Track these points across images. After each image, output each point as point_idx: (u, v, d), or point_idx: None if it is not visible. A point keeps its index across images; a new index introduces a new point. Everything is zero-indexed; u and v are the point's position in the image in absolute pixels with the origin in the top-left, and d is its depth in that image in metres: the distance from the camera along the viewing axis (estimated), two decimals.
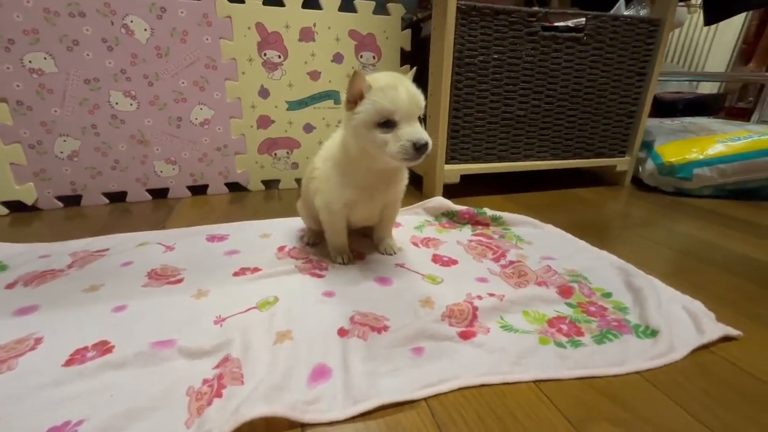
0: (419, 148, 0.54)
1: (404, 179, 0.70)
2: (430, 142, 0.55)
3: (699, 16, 2.04)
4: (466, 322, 0.54)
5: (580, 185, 1.30)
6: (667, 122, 1.40)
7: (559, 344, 0.51)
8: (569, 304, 0.60)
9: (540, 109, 1.14)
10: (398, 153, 0.54)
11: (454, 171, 1.10)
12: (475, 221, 0.92)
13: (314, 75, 1.14)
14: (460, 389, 0.44)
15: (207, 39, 1.01)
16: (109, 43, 0.94)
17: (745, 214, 1.06)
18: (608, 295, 0.63)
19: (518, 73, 1.08)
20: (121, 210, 1.03)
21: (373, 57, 1.18)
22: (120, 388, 0.42)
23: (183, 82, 1.03)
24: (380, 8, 1.15)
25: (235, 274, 0.67)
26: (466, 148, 1.11)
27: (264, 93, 1.10)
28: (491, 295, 0.61)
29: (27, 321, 0.54)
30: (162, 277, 0.66)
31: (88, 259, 0.72)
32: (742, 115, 2.01)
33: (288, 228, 0.88)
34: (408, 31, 1.19)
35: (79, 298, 0.59)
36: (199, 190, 1.14)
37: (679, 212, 1.07)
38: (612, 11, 1.19)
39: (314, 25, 1.09)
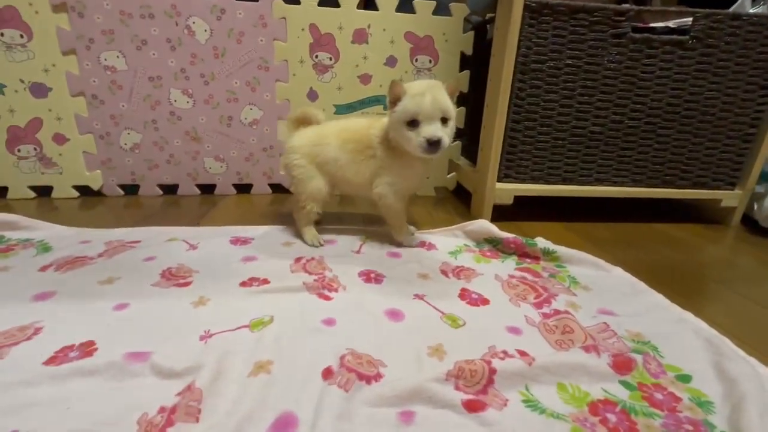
0: (432, 143, 0.66)
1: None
2: (444, 138, 0.67)
3: None
4: (478, 386, 0.43)
5: (669, 220, 1.07)
6: None
7: None
8: (625, 384, 0.45)
9: (622, 126, 0.95)
10: (417, 147, 0.67)
11: (506, 191, 0.97)
12: (522, 252, 0.79)
13: (365, 78, 1.09)
14: None
15: (261, 40, 1.02)
16: (173, 43, 0.99)
17: None
18: (685, 378, 0.47)
19: (597, 83, 0.91)
20: (170, 202, 1.08)
21: (430, 61, 1.09)
22: (79, 401, 0.40)
23: (236, 82, 1.04)
24: (442, 9, 1.06)
25: (243, 283, 0.63)
26: (525, 166, 0.97)
27: (312, 95, 1.08)
28: (521, 353, 0.49)
29: (39, 307, 0.55)
30: (173, 277, 0.65)
31: (119, 249, 0.74)
32: None
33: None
34: (470, 34, 1.09)
35: (92, 290, 0.60)
36: (243, 188, 1.16)
37: None
38: (732, 9, 0.96)
39: (368, 26, 1.04)
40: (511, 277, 0.70)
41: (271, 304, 0.58)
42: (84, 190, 1.08)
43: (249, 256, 0.74)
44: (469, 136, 1.18)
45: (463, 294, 0.64)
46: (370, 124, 0.78)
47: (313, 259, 0.73)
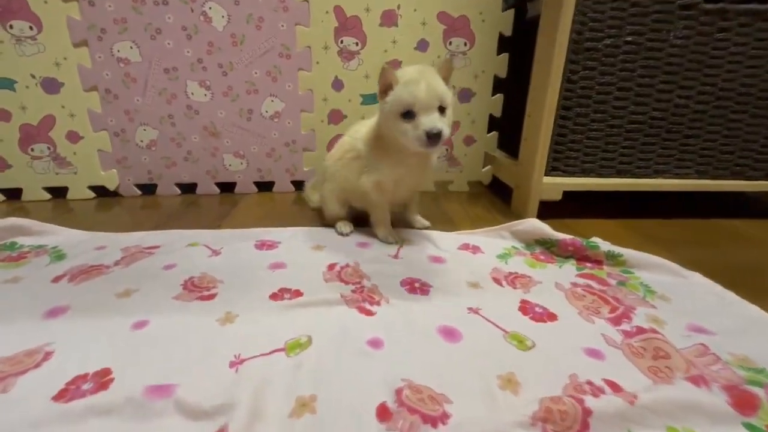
0: (431, 136, 0.59)
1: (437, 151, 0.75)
2: (444, 130, 0.60)
3: None
4: None
5: (738, 215, 0.96)
6: None
7: None
8: (751, 428, 0.37)
9: (687, 111, 0.85)
10: (415, 141, 0.61)
11: (555, 185, 0.87)
12: (581, 256, 0.69)
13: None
14: None
15: (282, 26, 0.94)
16: (188, 31, 0.92)
17: None
18: None
19: (660, 62, 0.81)
20: (189, 202, 1.02)
21: (465, 44, 1.00)
22: None
23: (256, 72, 0.97)
24: None
25: (273, 296, 0.56)
26: (575, 158, 0.88)
27: (338, 85, 1.00)
28: (613, 387, 0.41)
29: (50, 326, 0.49)
30: (196, 288, 0.58)
31: (136, 256, 0.68)
32: None
33: (345, 240, 0.76)
34: (510, 13, 0.99)
35: (108, 304, 0.54)
36: (265, 186, 1.09)
37: None
38: None
39: (398, 7, 0.95)
40: (575, 285, 0.61)
41: (307, 321, 0.51)
42: (100, 191, 1.02)
43: (277, 262, 0.67)
44: (507, 125, 1.08)
45: (525, 307, 0.55)
46: (356, 129, 0.76)
47: (347, 266, 0.66)
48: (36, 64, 0.90)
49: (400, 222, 0.84)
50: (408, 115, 0.61)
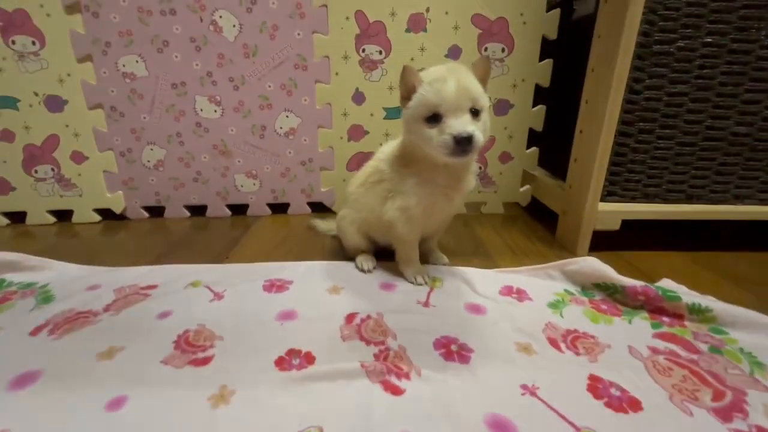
0: (460, 141, 0.50)
1: (474, 170, 0.63)
2: (477, 135, 0.51)
3: None
4: None
5: None
6: None
7: None
8: None
9: None
10: (441, 148, 0.52)
11: (612, 213, 0.74)
12: (655, 307, 0.56)
13: None
14: None
15: (299, 34, 0.85)
16: (197, 42, 0.84)
17: None
18: None
19: (747, 68, 0.67)
20: (199, 225, 0.94)
21: (503, 49, 0.88)
22: None
23: (270, 86, 0.88)
24: None
25: (279, 361, 0.46)
26: (636, 180, 0.74)
27: (359, 98, 0.90)
28: None
29: (13, 402, 0.41)
30: (190, 348, 0.49)
31: (130, 299, 0.60)
32: None
33: (367, 279, 0.66)
34: (555, 13, 0.86)
35: (86, 370, 0.45)
36: (279, 208, 1.00)
37: None
38: None
39: (427, 10, 0.84)
40: (654, 351, 0.49)
41: (318, 403, 0.41)
42: (106, 213, 0.96)
43: (287, 311, 0.57)
44: (550, 140, 0.96)
45: (595, 387, 0.43)
46: (382, 150, 0.68)
47: (369, 317, 0.55)
48: (39, 81, 0.84)
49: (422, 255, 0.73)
50: (434, 118, 0.52)
